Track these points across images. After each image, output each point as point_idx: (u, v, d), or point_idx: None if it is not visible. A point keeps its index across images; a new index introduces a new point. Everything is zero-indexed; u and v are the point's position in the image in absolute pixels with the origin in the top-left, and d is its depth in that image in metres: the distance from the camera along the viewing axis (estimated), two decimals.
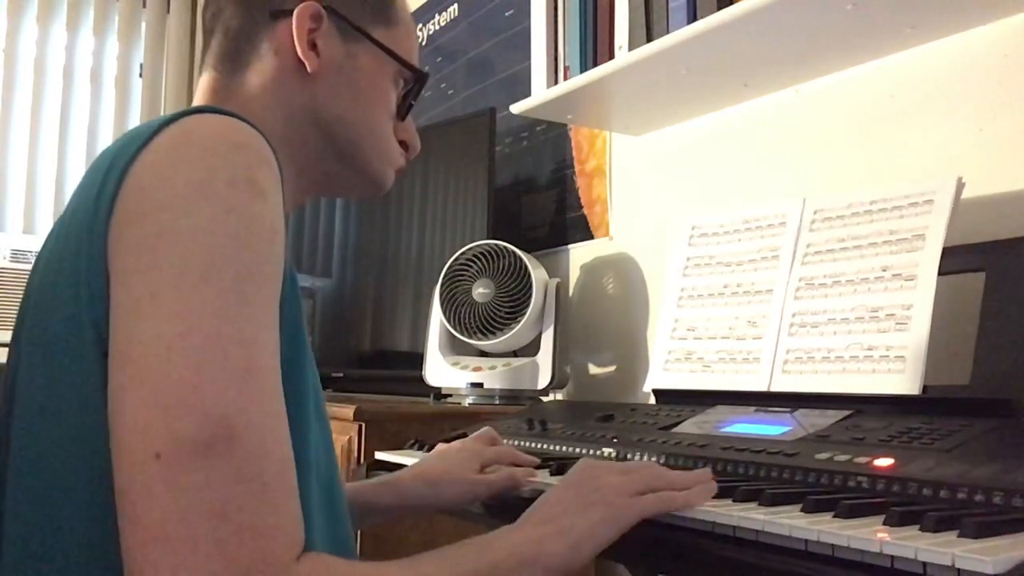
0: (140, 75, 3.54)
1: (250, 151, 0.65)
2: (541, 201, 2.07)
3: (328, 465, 0.76)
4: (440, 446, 1.11)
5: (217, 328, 0.58)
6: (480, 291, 1.77)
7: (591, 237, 1.92)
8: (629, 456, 1.03)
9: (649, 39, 1.40)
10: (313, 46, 0.83)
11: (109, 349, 0.60)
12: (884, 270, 1.08)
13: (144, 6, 3.57)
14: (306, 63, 0.82)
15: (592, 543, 0.73)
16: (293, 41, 0.82)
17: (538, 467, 1.04)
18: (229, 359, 0.58)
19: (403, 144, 0.93)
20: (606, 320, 1.87)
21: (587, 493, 0.76)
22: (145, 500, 0.55)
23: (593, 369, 1.91)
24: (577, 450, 1.11)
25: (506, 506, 1.01)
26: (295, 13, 0.82)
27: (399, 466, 1.20)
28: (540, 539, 0.71)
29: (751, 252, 1.26)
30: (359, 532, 1.46)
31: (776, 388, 1.14)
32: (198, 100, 0.84)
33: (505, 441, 1.21)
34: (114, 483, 0.58)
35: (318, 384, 0.76)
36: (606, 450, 1.06)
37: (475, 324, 1.76)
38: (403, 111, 0.91)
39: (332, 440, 0.79)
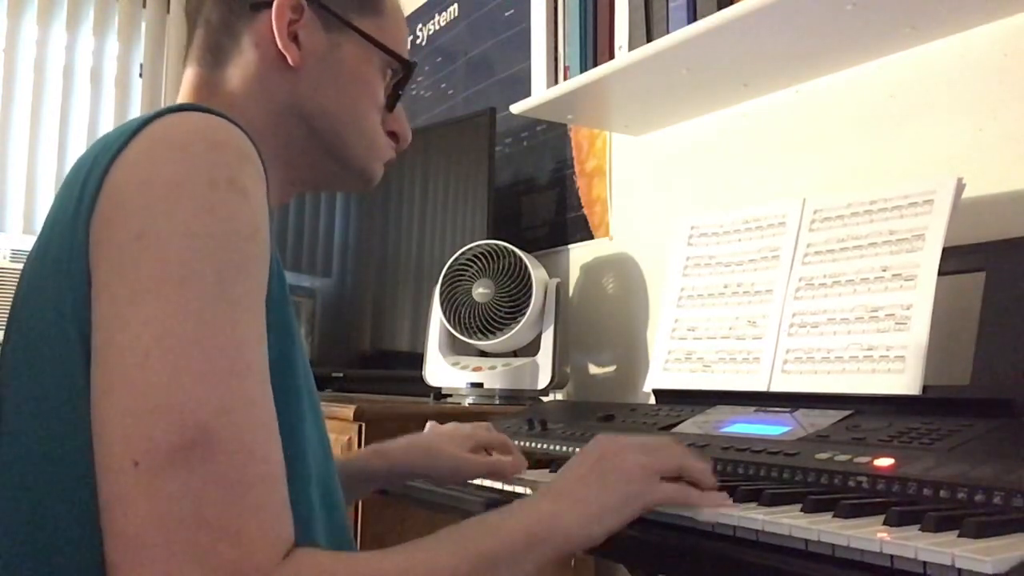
0: (140, 75, 3.54)
1: (230, 149, 0.64)
2: (541, 201, 2.07)
3: (324, 461, 0.76)
4: (432, 423, 1.13)
5: (197, 330, 0.58)
6: (480, 291, 1.77)
7: (591, 237, 1.92)
8: None
9: (649, 39, 1.40)
10: (295, 38, 0.81)
11: (91, 355, 0.60)
12: (884, 270, 1.08)
13: (144, 6, 3.57)
14: (287, 56, 0.80)
15: (611, 520, 0.71)
16: (273, 33, 0.80)
17: (528, 467, 1.05)
18: (209, 362, 0.57)
19: (393, 136, 0.91)
20: (606, 320, 1.87)
21: (608, 468, 0.74)
22: (124, 508, 0.55)
23: (593, 369, 1.91)
24: (577, 450, 1.11)
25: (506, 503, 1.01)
26: (275, 4, 0.80)
27: None
28: (556, 514, 0.69)
29: (751, 252, 1.26)
30: (359, 533, 1.46)
31: (776, 388, 1.14)
32: (181, 96, 0.83)
33: None
34: (97, 492, 0.57)
35: (311, 381, 0.75)
36: None
37: (475, 324, 1.76)
38: (391, 102, 0.89)
39: (328, 436, 0.78)
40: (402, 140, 0.92)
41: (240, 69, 0.82)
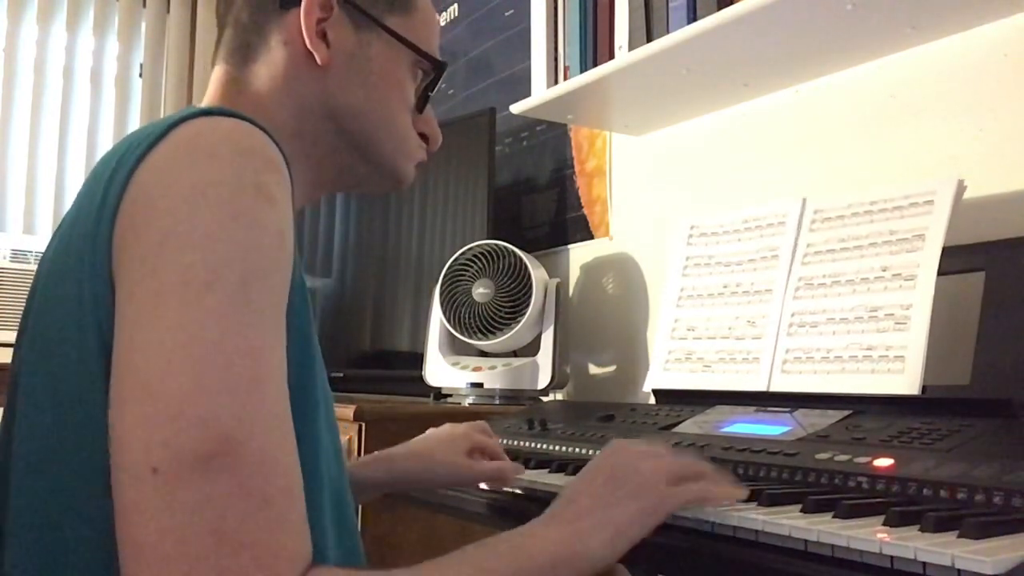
0: (140, 75, 3.53)
1: (258, 156, 0.64)
2: (541, 201, 2.07)
3: (338, 474, 0.75)
4: (431, 429, 1.12)
5: (220, 337, 0.57)
6: (480, 291, 1.77)
7: (591, 237, 1.92)
8: None
9: (649, 39, 1.40)
10: (323, 36, 0.80)
11: (112, 359, 0.59)
12: (884, 270, 1.08)
13: (144, 6, 3.57)
14: (315, 54, 0.80)
15: (632, 534, 0.71)
16: (302, 32, 0.79)
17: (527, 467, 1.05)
18: (233, 369, 0.57)
19: (424, 137, 0.90)
20: (606, 320, 1.87)
21: (622, 481, 0.73)
22: (141, 517, 0.54)
23: (593, 369, 1.91)
24: (577, 450, 1.11)
25: (507, 506, 1.02)
26: (303, 2, 0.79)
27: None
28: (579, 535, 0.69)
29: (750, 252, 1.26)
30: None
31: (775, 388, 1.14)
32: (209, 95, 0.83)
33: (504, 441, 1.21)
34: (113, 499, 0.56)
35: (328, 392, 0.75)
36: None
37: (475, 324, 1.76)
38: (421, 103, 0.88)
39: (342, 448, 0.77)
40: (432, 141, 0.91)
41: (268, 68, 0.81)
